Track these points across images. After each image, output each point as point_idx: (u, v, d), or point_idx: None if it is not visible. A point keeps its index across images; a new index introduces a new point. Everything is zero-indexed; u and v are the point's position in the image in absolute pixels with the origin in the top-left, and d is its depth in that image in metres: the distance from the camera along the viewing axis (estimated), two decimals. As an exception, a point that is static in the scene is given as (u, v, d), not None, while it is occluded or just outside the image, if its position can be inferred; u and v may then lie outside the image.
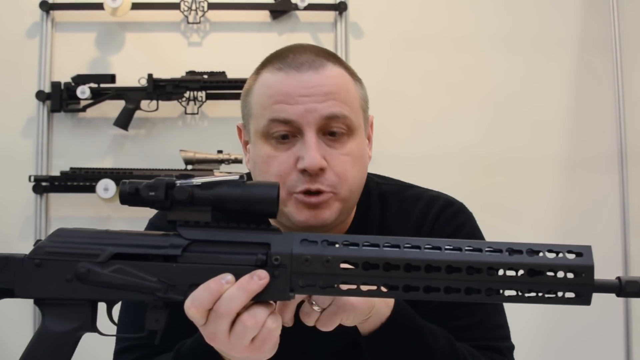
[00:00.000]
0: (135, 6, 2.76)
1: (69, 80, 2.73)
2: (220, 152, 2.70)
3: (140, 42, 2.86)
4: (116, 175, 2.67)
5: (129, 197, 0.86)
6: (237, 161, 2.67)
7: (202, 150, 2.71)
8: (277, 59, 1.14)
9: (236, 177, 0.86)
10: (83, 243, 0.87)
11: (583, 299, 0.83)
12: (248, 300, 0.82)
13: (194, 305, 0.83)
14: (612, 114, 2.93)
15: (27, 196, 2.70)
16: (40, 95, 2.74)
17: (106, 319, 0.91)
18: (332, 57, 1.16)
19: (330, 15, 2.90)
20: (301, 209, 1.09)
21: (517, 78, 2.93)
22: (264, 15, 2.88)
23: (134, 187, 0.86)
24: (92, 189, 2.65)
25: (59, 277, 0.86)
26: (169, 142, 2.81)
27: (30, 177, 2.67)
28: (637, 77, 2.94)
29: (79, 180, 2.68)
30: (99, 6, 2.73)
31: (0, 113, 2.80)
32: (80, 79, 2.72)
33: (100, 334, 0.89)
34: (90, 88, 2.71)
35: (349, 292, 0.85)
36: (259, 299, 0.84)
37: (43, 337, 0.87)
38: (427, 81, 2.90)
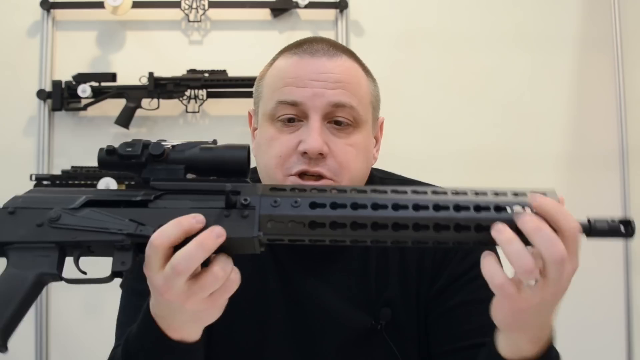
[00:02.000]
0: (135, 5, 2.76)
1: (70, 79, 2.72)
2: (221, 150, 2.69)
3: (141, 41, 2.86)
4: (117, 174, 2.66)
5: (107, 157, 0.87)
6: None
7: (203, 149, 2.71)
8: (294, 46, 1.16)
9: (209, 141, 0.88)
10: (57, 194, 0.89)
11: None
12: (206, 256, 0.81)
13: (160, 237, 0.81)
14: (613, 112, 2.93)
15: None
16: (41, 94, 2.74)
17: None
18: (348, 52, 1.18)
19: (331, 13, 2.90)
20: None
21: (519, 76, 2.92)
22: (265, 13, 2.88)
23: (111, 147, 0.87)
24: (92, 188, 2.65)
25: (30, 223, 0.86)
26: (170, 140, 2.80)
27: (31, 175, 2.66)
28: (638, 75, 2.94)
29: (81, 179, 2.68)
30: (100, 5, 2.72)
31: (1, 112, 2.80)
32: (81, 78, 2.72)
33: (66, 280, 0.87)
34: (91, 87, 2.71)
35: (319, 235, 0.84)
36: (229, 238, 0.83)
37: (5, 279, 0.85)
38: (428, 79, 2.90)
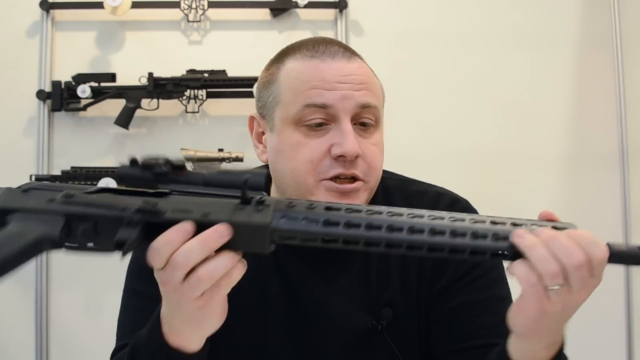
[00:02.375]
0: (135, 5, 2.76)
1: (70, 79, 2.72)
2: (221, 150, 2.69)
3: (140, 41, 2.86)
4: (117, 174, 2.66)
5: (129, 168, 0.86)
6: (238, 159, 2.66)
7: (203, 149, 2.71)
8: (306, 49, 1.15)
9: (232, 160, 0.89)
10: (73, 185, 0.88)
11: None
12: (206, 255, 0.81)
13: (153, 257, 0.81)
14: (613, 111, 2.93)
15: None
16: (41, 95, 2.74)
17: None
18: (355, 52, 1.18)
19: (331, 13, 2.90)
20: (331, 196, 1.09)
21: (518, 76, 2.93)
22: (264, 13, 2.88)
23: (134, 158, 0.86)
24: (93, 188, 2.64)
25: (41, 199, 0.85)
26: (170, 140, 2.81)
27: (31, 176, 2.66)
28: (638, 75, 2.94)
29: (80, 180, 2.68)
30: (99, 5, 2.72)
31: (0, 112, 2.80)
32: (80, 78, 2.72)
33: (66, 247, 0.84)
34: (91, 87, 2.71)
35: (330, 235, 0.83)
36: (240, 223, 0.82)
37: (3, 233, 0.82)
38: (427, 79, 2.90)
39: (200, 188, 0.86)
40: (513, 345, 0.92)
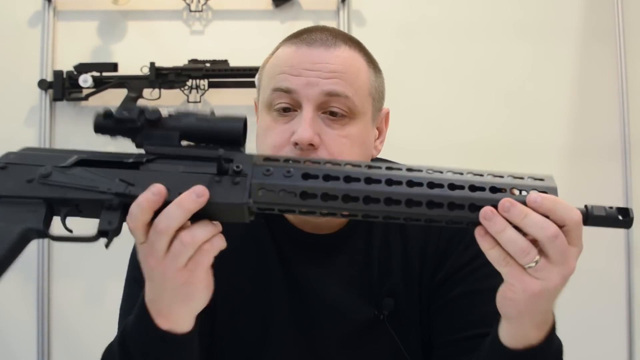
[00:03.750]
0: (137, -6, 2.76)
1: (72, 69, 2.72)
2: (222, 140, 2.69)
3: (142, 31, 2.86)
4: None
5: (104, 120, 0.86)
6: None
7: (205, 139, 2.71)
8: (294, 36, 1.16)
9: (207, 111, 0.87)
10: (51, 154, 0.88)
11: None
12: (186, 218, 0.81)
13: (130, 221, 0.82)
14: (615, 103, 2.92)
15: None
16: (43, 84, 2.74)
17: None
18: (350, 41, 1.17)
19: (333, 3, 2.89)
20: None
21: (521, 67, 2.92)
22: (266, 3, 2.87)
23: (108, 111, 0.86)
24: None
25: (20, 178, 0.85)
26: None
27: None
28: (641, 66, 2.94)
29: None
30: (101, -6, 2.72)
31: (2, 102, 2.80)
32: (82, 68, 2.71)
33: (51, 237, 0.86)
34: (93, 77, 2.70)
35: (310, 206, 0.83)
36: (217, 202, 0.82)
37: None
38: (430, 70, 2.89)
39: (175, 140, 0.86)
40: (504, 329, 0.92)
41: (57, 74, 2.72)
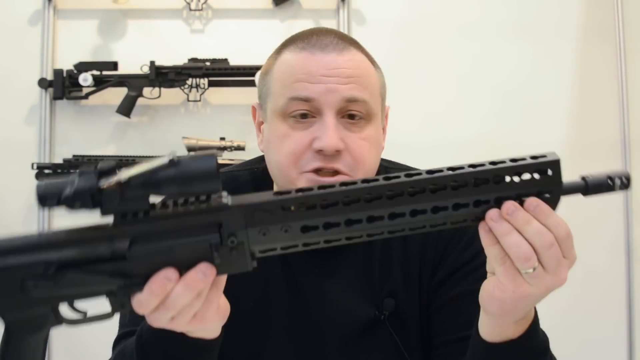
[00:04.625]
0: (137, -7, 2.76)
1: (72, 67, 2.72)
2: (222, 139, 2.69)
3: (142, 29, 2.86)
4: (119, 162, 2.66)
5: (48, 202, 0.77)
6: (240, 148, 2.66)
7: (205, 137, 2.71)
8: (300, 39, 1.14)
9: (165, 159, 0.76)
10: (20, 260, 0.79)
11: (551, 199, 0.82)
12: (195, 297, 0.79)
13: (141, 307, 0.80)
14: (615, 101, 2.93)
15: (30, 184, 2.70)
16: (43, 83, 2.74)
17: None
18: (354, 43, 1.16)
19: (333, 2, 2.89)
20: None
21: (520, 65, 2.92)
22: (266, 2, 2.88)
23: (52, 192, 0.76)
24: (95, 177, 2.65)
25: (9, 295, 0.79)
26: (172, 129, 2.81)
27: (33, 164, 2.67)
28: (641, 64, 2.94)
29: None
30: (101, -7, 2.73)
31: (2, 101, 2.80)
32: (82, 67, 2.72)
33: (67, 322, 0.83)
34: (93, 75, 2.70)
35: (313, 246, 0.82)
36: (219, 274, 0.80)
37: (10, 343, 0.82)
38: (429, 68, 2.90)
39: (145, 202, 0.78)
40: (483, 326, 0.93)
41: (57, 72, 2.72)
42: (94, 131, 2.81)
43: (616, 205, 2.89)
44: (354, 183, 0.80)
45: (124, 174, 0.75)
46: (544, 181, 0.83)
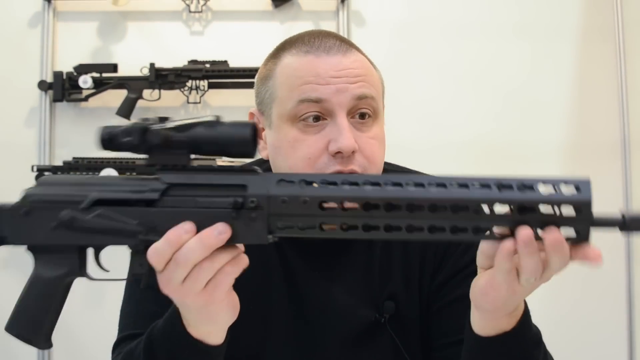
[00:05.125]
0: (137, -5, 2.76)
1: (71, 69, 2.72)
2: (222, 141, 2.69)
3: (142, 32, 2.86)
4: (119, 165, 2.66)
5: (108, 144, 0.87)
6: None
7: (205, 140, 2.71)
8: (301, 43, 1.14)
9: (212, 117, 0.86)
10: (67, 190, 0.89)
11: (580, 235, 0.80)
12: (207, 253, 0.82)
13: (155, 255, 0.83)
14: (615, 102, 2.93)
15: (29, 186, 2.70)
16: (43, 85, 2.74)
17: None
18: (354, 45, 1.17)
19: (332, 3, 2.89)
20: None
21: (520, 66, 2.92)
22: (266, 3, 2.88)
23: (110, 133, 0.87)
24: (95, 179, 2.65)
25: (45, 225, 0.88)
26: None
27: (33, 167, 2.66)
28: (641, 65, 2.94)
29: (82, 170, 2.68)
30: (101, -5, 2.72)
31: (2, 103, 2.80)
32: (82, 69, 2.71)
33: (90, 278, 0.90)
34: (93, 77, 2.70)
35: (329, 234, 0.83)
36: (236, 242, 0.84)
37: (34, 283, 0.90)
38: (429, 70, 2.90)
39: (184, 158, 0.86)
40: (476, 321, 0.95)
41: (57, 74, 2.72)
42: (93, 133, 2.78)
43: (616, 205, 2.89)
44: (379, 184, 0.82)
45: (171, 123, 0.85)
46: (572, 216, 0.81)
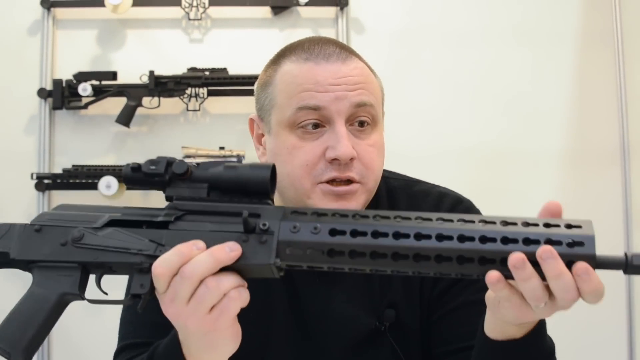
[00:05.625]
0: (136, 3, 2.76)
1: (71, 77, 2.73)
2: (222, 148, 2.69)
3: (141, 39, 2.86)
4: (118, 172, 2.66)
5: (132, 174, 0.87)
6: (239, 157, 2.67)
7: (204, 147, 2.71)
8: (301, 50, 1.14)
9: (234, 159, 0.88)
10: (83, 213, 0.91)
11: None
12: (215, 268, 0.82)
13: (162, 266, 0.82)
14: (614, 107, 2.93)
15: (29, 194, 2.70)
16: (42, 93, 2.74)
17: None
18: (354, 52, 1.17)
19: (332, 11, 2.90)
20: (327, 199, 1.08)
21: (519, 73, 2.93)
22: (265, 11, 2.88)
23: (136, 164, 0.88)
24: (94, 186, 2.65)
25: (54, 242, 0.88)
26: (171, 138, 2.81)
27: (32, 174, 2.67)
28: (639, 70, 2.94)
29: (81, 178, 2.69)
30: (100, 3, 2.72)
31: (2, 111, 2.80)
32: (81, 76, 2.72)
33: (88, 301, 0.89)
34: (92, 85, 2.71)
35: (338, 264, 0.83)
36: (245, 264, 0.83)
37: (29, 298, 0.88)
38: (428, 77, 2.90)
39: (203, 192, 0.87)
40: (488, 321, 0.94)
41: (57, 82, 2.72)
42: (93, 141, 2.81)
43: (616, 211, 2.89)
44: (387, 217, 0.83)
45: (194, 161, 0.84)
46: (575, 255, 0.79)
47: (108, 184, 2.63)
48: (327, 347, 1.17)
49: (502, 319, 0.89)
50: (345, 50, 1.14)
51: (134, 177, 0.88)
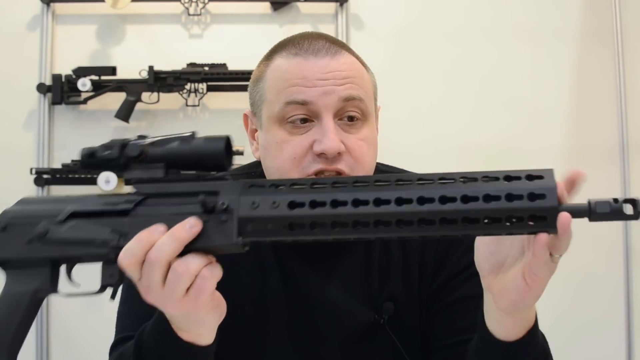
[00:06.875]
0: (135, -2, 2.76)
1: (70, 72, 2.72)
2: (221, 144, 2.69)
3: (141, 34, 2.86)
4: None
5: (88, 160, 0.88)
6: (238, 153, 2.66)
7: (204, 143, 2.70)
8: (292, 45, 1.14)
9: (188, 133, 0.88)
10: (45, 206, 0.90)
11: (548, 224, 0.79)
12: (179, 248, 0.81)
13: (127, 257, 0.82)
14: (614, 105, 2.93)
15: (28, 189, 2.70)
16: (41, 88, 2.74)
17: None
18: (345, 46, 1.17)
19: (331, 6, 2.89)
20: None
21: (519, 70, 2.93)
22: (265, 7, 2.88)
23: (91, 150, 0.88)
24: (93, 181, 2.65)
25: (21, 239, 0.88)
26: (170, 134, 2.80)
27: (31, 169, 2.67)
28: (639, 69, 2.94)
29: (81, 173, 2.68)
30: (100, -2, 2.73)
31: (1, 106, 2.80)
32: (81, 72, 2.72)
33: (60, 294, 0.90)
34: (91, 80, 2.71)
35: (300, 234, 0.82)
36: (208, 246, 0.83)
37: (4, 298, 0.88)
38: (428, 73, 2.90)
39: (160, 172, 0.87)
40: (491, 324, 0.94)
41: (56, 77, 2.72)
42: (92, 136, 2.81)
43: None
44: (346, 183, 0.82)
45: (149, 139, 0.87)
46: (538, 205, 0.80)
47: (107, 179, 2.62)
48: (326, 340, 1.17)
49: (500, 308, 0.90)
50: (335, 45, 1.14)
51: (90, 162, 0.88)
